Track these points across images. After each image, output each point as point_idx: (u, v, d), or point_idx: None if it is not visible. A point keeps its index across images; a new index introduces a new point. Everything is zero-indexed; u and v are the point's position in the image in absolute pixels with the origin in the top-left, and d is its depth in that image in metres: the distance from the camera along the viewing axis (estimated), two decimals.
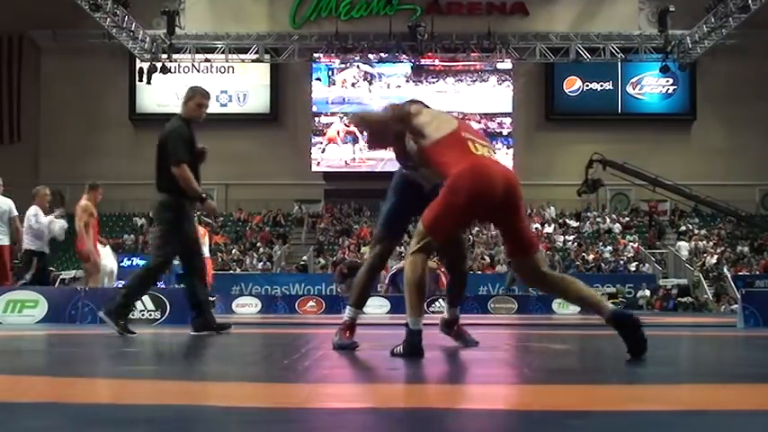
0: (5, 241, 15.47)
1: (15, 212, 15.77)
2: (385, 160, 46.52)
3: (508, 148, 46.95)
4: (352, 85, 47.52)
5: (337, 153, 47.36)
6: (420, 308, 6.21)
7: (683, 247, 40.64)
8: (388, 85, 47.25)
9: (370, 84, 47.35)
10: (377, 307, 27.93)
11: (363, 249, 40.93)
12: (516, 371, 5.76)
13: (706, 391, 4.33)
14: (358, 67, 47.28)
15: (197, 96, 10.22)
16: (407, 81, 47.25)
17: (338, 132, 47.23)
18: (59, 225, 17.02)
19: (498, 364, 6.15)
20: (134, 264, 37.37)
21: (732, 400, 3.99)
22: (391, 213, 7.22)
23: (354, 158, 47.14)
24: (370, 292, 7.62)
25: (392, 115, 6.62)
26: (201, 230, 18.92)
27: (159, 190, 10.09)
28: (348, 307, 7.26)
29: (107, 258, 22.48)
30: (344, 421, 3.33)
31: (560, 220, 45.15)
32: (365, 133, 7.32)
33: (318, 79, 47.62)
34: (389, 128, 6.68)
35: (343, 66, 47.33)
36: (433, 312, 22.18)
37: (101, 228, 46.64)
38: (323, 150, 47.34)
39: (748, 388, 4.45)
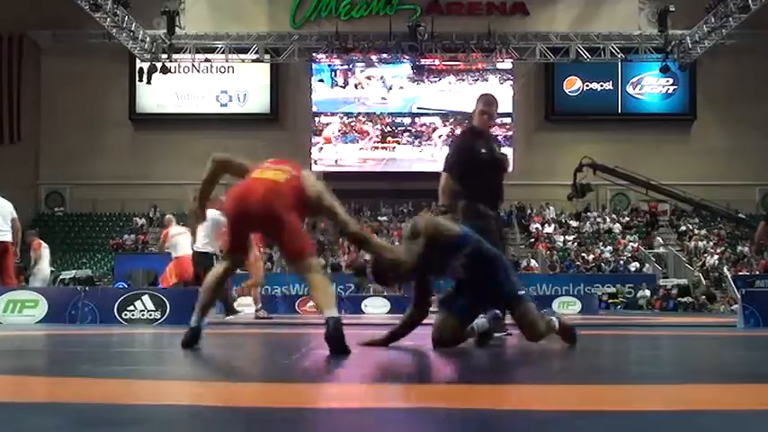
0: (9, 237, 15.44)
1: (15, 214, 15.76)
2: (386, 160, 46.65)
3: (509, 148, 46.92)
4: (354, 85, 47.50)
5: (336, 153, 47.33)
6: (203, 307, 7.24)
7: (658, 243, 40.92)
8: (390, 86, 47.22)
9: (370, 83, 47.32)
10: (377, 307, 27.95)
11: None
12: (517, 371, 5.76)
13: (707, 391, 4.32)
14: (357, 66, 47.27)
15: (477, 103, 9.77)
16: (408, 81, 47.24)
17: (334, 132, 47.22)
18: None
19: (500, 364, 6.15)
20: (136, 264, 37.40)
21: (733, 400, 3.99)
22: None
23: (354, 159, 47.12)
24: None
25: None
26: (182, 229, 19.13)
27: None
28: None
29: (45, 261, 22.76)
30: (345, 421, 3.33)
31: (560, 220, 45.17)
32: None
33: (321, 80, 47.58)
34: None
35: (343, 66, 47.32)
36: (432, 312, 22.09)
37: (100, 228, 46.78)
38: (320, 149, 47.30)
39: (749, 388, 4.44)
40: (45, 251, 22.98)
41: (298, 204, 7.00)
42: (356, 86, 47.49)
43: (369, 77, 47.41)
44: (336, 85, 47.56)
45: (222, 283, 7.39)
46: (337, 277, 35.65)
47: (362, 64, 47.00)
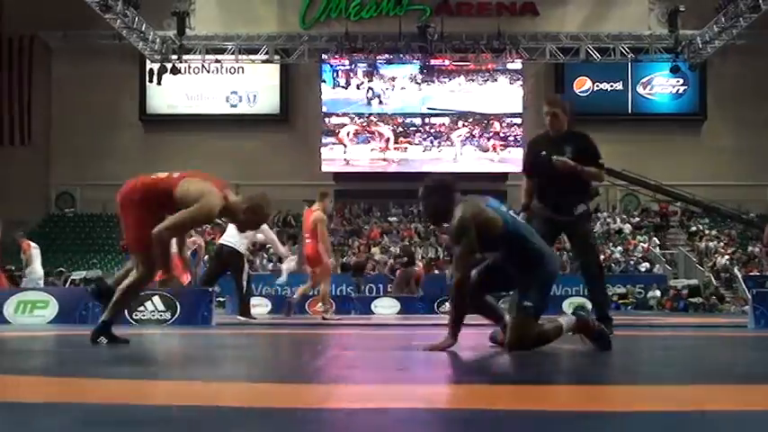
0: None
1: None
2: (398, 161, 46.65)
3: (519, 149, 46.91)
4: (363, 86, 47.50)
5: (347, 154, 47.34)
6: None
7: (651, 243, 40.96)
8: (400, 87, 47.23)
9: (380, 84, 47.34)
10: (387, 308, 27.97)
11: (373, 250, 40.97)
12: (527, 371, 5.76)
13: (717, 392, 4.32)
14: (367, 67, 47.29)
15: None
16: (417, 81, 47.24)
17: (348, 133, 47.26)
18: None
19: (509, 365, 6.14)
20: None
21: (744, 401, 3.98)
22: None
23: (365, 159, 47.14)
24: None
25: None
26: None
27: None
28: None
29: (36, 261, 23.02)
30: (359, 421, 3.33)
31: None
32: None
33: (331, 81, 47.58)
34: None
35: (352, 66, 47.33)
36: (442, 313, 22.12)
37: (110, 229, 46.79)
38: (331, 150, 47.32)
39: (760, 389, 4.44)
40: (35, 251, 23.17)
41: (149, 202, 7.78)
42: (366, 87, 47.48)
43: (378, 78, 47.41)
44: (346, 85, 47.55)
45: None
46: (346, 278, 35.75)
47: (372, 64, 46.98)
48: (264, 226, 13.92)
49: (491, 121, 47.07)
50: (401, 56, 45.29)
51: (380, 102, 47.13)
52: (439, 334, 7.41)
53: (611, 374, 5.65)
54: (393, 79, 47.25)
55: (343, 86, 47.40)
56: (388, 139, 47.11)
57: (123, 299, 8.02)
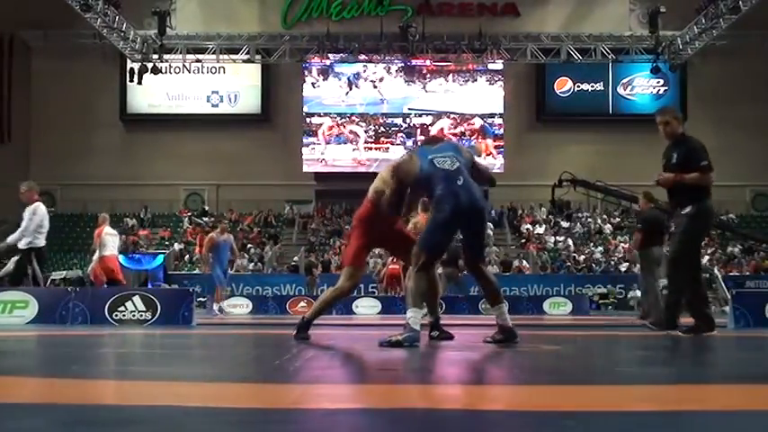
0: None
1: None
2: (379, 161, 46.63)
3: (499, 148, 46.99)
4: (346, 86, 47.50)
5: (328, 153, 47.32)
6: None
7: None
8: (381, 87, 47.25)
9: (361, 84, 47.34)
10: (368, 308, 27.95)
11: None
12: (508, 372, 5.76)
13: (697, 392, 4.33)
14: (349, 67, 47.27)
15: None
16: (399, 81, 47.26)
17: (325, 133, 47.22)
18: None
19: (490, 365, 6.15)
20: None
21: (723, 401, 4.00)
22: None
23: (346, 159, 47.13)
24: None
25: None
26: (114, 231, 20.23)
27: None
28: None
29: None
30: (337, 422, 3.33)
31: (551, 221, 45.19)
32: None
33: (312, 81, 47.54)
34: None
35: (334, 66, 47.31)
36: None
37: (91, 229, 46.59)
38: (312, 150, 47.29)
39: (739, 388, 4.45)
40: None
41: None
42: (348, 87, 47.48)
43: (360, 78, 47.40)
44: (328, 85, 47.52)
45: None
46: (328, 277, 35.66)
47: (353, 65, 46.96)
48: None
49: (472, 122, 47.12)
50: (383, 56, 45.22)
51: (354, 87, 47.14)
52: (421, 334, 7.42)
53: (591, 375, 5.66)
54: (374, 79, 47.23)
55: (325, 86, 47.36)
56: (365, 141, 47.09)
57: (324, 306, 8.76)
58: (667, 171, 10.49)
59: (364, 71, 47.31)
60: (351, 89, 47.40)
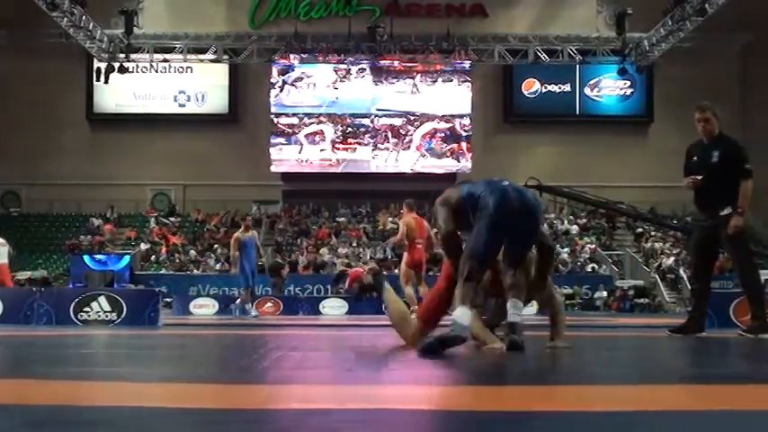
0: None
1: None
2: (347, 161, 46.64)
3: (467, 149, 47.08)
4: (313, 86, 47.45)
5: (295, 154, 47.25)
6: None
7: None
8: (349, 87, 47.24)
9: (329, 84, 47.32)
10: (335, 308, 27.97)
11: (322, 250, 40.93)
12: (472, 372, 5.77)
13: (661, 392, 4.35)
14: (316, 67, 47.20)
15: None
16: (367, 82, 47.26)
17: (299, 132, 47.18)
18: None
19: (456, 366, 6.16)
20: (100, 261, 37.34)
21: (686, 401, 4.02)
22: None
23: (314, 159, 47.08)
24: None
25: None
26: (2, 240, 20.83)
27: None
28: None
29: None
30: (304, 422, 3.32)
31: None
32: None
33: (280, 81, 47.46)
34: None
35: (301, 66, 47.23)
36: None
37: (56, 229, 46.37)
38: (280, 150, 47.20)
39: (702, 389, 4.48)
40: None
41: None
42: (315, 87, 47.42)
43: (328, 78, 47.36)
44: (295, 85, 47.45)
45: None
46: (295, 278, 35.69)
47: (321, 65, 46.90)
48: None
49: (440, 122, 47.19)
50: (351, 56, 45.17)
51: (321, 87, 47.13)
52: (386, 334, 7.41)
53: (556, 375, 5.67)
54: (342, 79, 47.23)
55: (293, 86, 47.29)
56: (332, 141, 47.11)
57: None
58: (704, 170, 10.17)
59: (332, 71, 47.25)
60: (318, 89, 47.34)
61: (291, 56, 45.59)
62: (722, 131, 10.46)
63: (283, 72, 47.49)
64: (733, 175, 9.97)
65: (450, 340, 6.50)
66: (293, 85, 47.43)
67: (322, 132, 47.19)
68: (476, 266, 6.81)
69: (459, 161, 47.08)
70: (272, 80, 47.36)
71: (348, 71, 47.27)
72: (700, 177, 10.14)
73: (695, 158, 10.38)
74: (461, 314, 6.59)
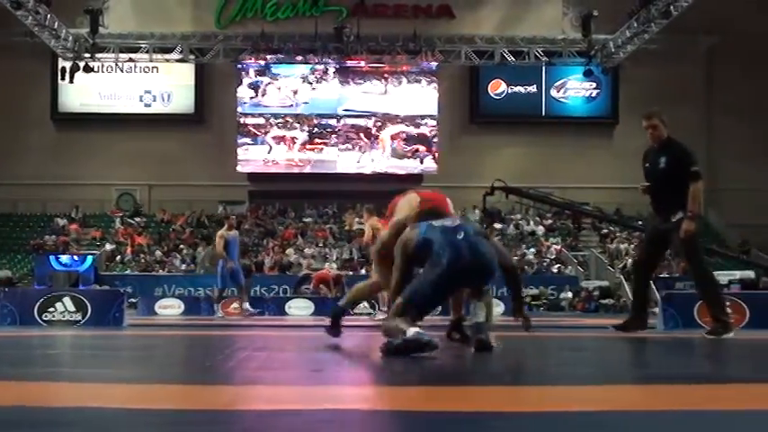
0: None
1: None
2: (313, 162, 46.59)
3: (433, 150, 47.14)
4: (279, 87, 47.37)
5: (263, 154, 47.17)
6: None
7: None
8: (316, 88, 47.21)
9: (296, 85, 47.27)
10: (301, 309, 27.94)
11: (288, 251, 40.86)
12: (436, 373, 5.78)
13: (626, 393, 4.38)
14: (283, 67, 47.12)
15: None
16: (333, 82, 47.23)
17: (264, 133, 47.09)
18: None
19: (422, 367, 6.17)
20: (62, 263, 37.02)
21: (652, 402, 4.04)
22: None
23: (280, 160, 47.01)
24: None
25: None
26: None
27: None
28: None
29: None
30: (271, 423, 3.32)
31: (484, 223, 45.36)
32: None
33: (246, 81, 47.35)
34: None
35: (268, 66, 47.14)
36: (356, 314, 22.09)
37: (20, 229, 46.10)
38: (246, 150, 47.11)
39: (667, 389, 4.51)
40: None
41: None
42: (281, 88, 47.35)
43: (294, 79, 47.30)
44: (262, 85, 47.36)
45: None
46: (261, 278, 35.60)
47: (288, 65, 46.82)
48: None
49: (407, 123, 47.23)
50: (317, 57, 45.07)
51: (288, 88, 47.08)
52: (353, 335, 7.42)
53: (520, 376, 5.70)
54: (308, 80, 47.18)
55: (260, 86, 47.20)
56: (299, 141, 47.06)
57: None
58: (652, 176, 10.48)
59: (299, 72, 47.19)
60: (284, 90, 47.28)
61: (258, 56, 45.46)
62: (671, 136, 10.68)
63: (249, 72, 47.37)
64: (682, 178, 10.14)
65: (415, 343, 6.35)
66: (260, 86, 47.33)
67: (289, 133, 47.09)
68: (414, 315, 6.74)
69: (422, 162, 47.13)
70: (239, 80, 47.23)
71: (314, 72, 47.20)
72: (647, 184, 10.52)
73: (647, 165, 10.70)
74: (415, 331, 6.47)
